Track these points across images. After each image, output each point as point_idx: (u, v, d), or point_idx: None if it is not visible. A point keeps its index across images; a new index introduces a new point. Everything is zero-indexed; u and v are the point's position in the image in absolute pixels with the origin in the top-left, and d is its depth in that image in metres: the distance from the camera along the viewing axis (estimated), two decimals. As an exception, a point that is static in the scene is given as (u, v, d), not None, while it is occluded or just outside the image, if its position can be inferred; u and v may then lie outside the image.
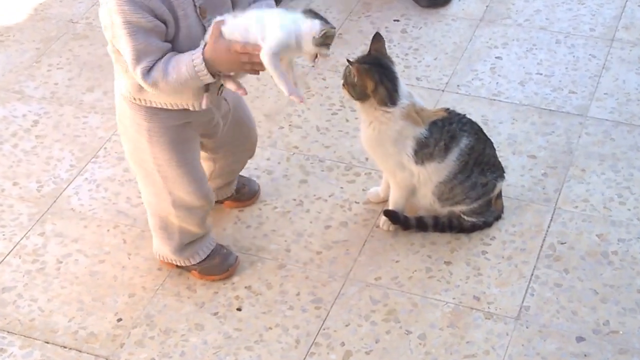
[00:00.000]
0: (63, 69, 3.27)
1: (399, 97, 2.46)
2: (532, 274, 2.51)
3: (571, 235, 2.63)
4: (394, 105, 2.45)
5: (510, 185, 2.75)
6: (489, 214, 2.63)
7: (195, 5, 2.14)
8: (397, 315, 2.43)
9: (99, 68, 3.26)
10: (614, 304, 2.44)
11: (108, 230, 2.67)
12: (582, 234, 2.63)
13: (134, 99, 2.26)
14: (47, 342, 2.38)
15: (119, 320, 2.43)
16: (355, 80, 2.43)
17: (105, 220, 2.70)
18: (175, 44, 2.14)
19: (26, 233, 2.67)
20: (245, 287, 2.49)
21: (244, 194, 2.73)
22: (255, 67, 2.12)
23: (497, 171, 2.60)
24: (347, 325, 2.41)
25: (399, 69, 3.15)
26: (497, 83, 3.15)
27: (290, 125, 3.01)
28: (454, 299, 2.46)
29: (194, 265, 2.51)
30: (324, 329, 2.39)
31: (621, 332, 2.37)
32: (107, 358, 2.33)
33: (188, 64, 2.09)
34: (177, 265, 2.53)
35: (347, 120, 3.02)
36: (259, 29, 2.07)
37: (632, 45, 3.29)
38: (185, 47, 2.13)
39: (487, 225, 2.64)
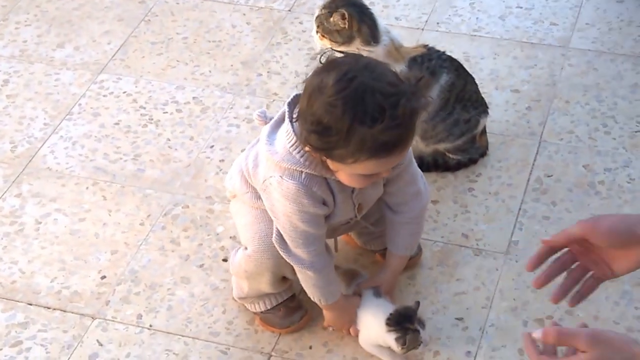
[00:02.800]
0: (31, 26, 3.20)
1: (380, 35, 2.41)
2: (519, 209, 2.50)
3: (557, 167, 2.61)
4: (377, 43, 2.41)
5: (495, 121, 2.72)
6: (473, 151, 2.60)
7: (354, 205, 2.10)
8: (384, 257, 2.41)
9: (68, 23, 3.20)
10: (603, 234, 2.42)
11: (87, 188, 2.64)
12: (569, 166, 2.61)
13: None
14: (30, 304, 2.35)
15: (103, 277, 2.40)
16: (342, 24, 2.37)
17: (83, 178, 2.66)
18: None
19: (2, 195, 2.63)
20: (230, 237, 2.46)
21: None
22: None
23: (480, 107, 2.57)
24: (334, 270, 2.39)
25: (377, 9, 3.15)
26: (477, 18, 3.11)
27: (268, 72, 2.97)
28: (442, 237, 2.44)
29: (254, 312, 2.31)
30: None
31: (612, 262, 2.36)
32: (92, 316, 2.31)
33: (327, 296, 2.15)
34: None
35: (326, 64, 2.98)
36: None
37: (613, -27, 3.26)
38: (330, 221, 2.12)
39: (473, 162, 2.62)
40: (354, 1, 2.42)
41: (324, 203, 2.04)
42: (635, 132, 2.69)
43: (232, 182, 2.21)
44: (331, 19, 2.39)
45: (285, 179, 1.99)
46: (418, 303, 2.15)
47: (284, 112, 2.04)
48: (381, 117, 1.83)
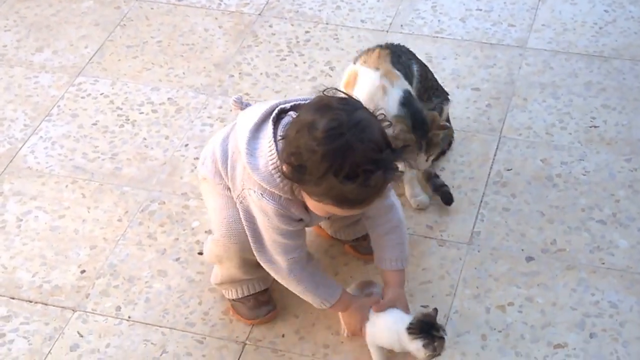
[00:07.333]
0: (11, 31, 3.27)
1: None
2: (481, 201, 2.60)
3: (516, 161, 2.71)
4: None
5: (457, 118, 2.82)
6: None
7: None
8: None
9: (46, 28, 3.27)
10: (559, 224, 2.53)
11: (66, 186, 2.71)
12: (527, 160, 2.72)
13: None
14: (13, 298, 2.42)
15: (83, 272, 2.47)
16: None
17: (63, 177, 2.74)
18: None
19: (-15, 193, 2.70)
20: (205, 232, 2.54)
21: (364, 247, 2.45)
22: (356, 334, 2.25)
23: (442, 95, 2.64)
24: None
25: (344, 12, 3.25)
26: (439, 21, 3.22)
27: (240, 73, 3.05)
28: (408, 229, 2.49)
29: (228, 298, 2.38)
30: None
31: (568, 250, 2.47)
32: (73, 309, 2.38)
33: (325, 297, 2.17)
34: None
35: (296, 65, 3.07)
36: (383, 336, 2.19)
37: (568, -23, 3.38)
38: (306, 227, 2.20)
39: (442, 153, 2.68)
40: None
41: (301, 220, 2.11)
42: (590, 127, 2.80)
43: (204, 168, 2.24)
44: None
45: (265, 198, 2.05)
46: (436, 310, 2.17)
47: (265, 114, 2.07)
48: (354, 179, 1.91)
